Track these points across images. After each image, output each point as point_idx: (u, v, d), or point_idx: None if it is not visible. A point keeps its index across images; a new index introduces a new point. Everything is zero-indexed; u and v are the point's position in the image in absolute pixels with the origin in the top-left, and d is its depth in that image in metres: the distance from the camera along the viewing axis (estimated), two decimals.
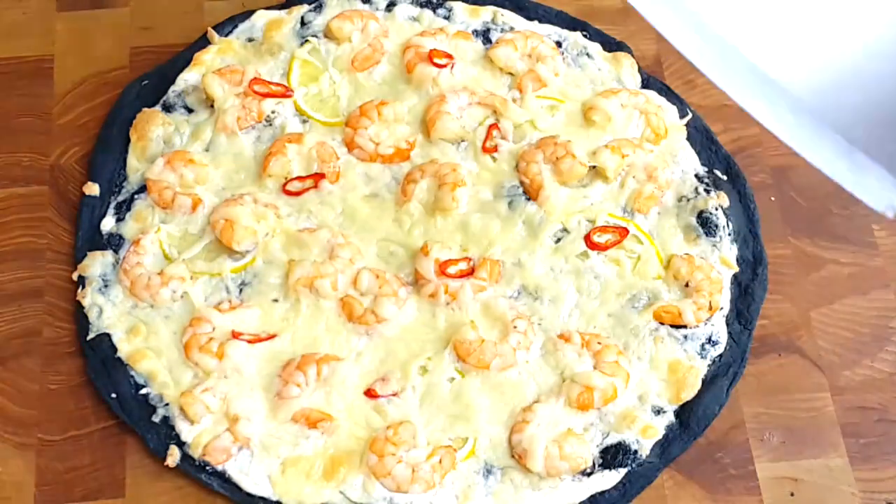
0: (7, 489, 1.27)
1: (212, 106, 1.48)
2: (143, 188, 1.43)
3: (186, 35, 1.57)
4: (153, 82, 1.51)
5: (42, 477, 1.28)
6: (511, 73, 1.51)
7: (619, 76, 1.52)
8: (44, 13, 1.60)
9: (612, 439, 1.27)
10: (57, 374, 1.34)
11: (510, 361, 1.30)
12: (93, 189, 1.43)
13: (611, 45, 1.55)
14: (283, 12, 1.55)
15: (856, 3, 0.81)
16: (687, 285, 1.36)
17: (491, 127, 1.45)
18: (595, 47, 1.54)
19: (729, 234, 1.40)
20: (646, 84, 1.52)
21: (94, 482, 1.27)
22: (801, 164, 1.52)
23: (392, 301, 1.33)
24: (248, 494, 1.24)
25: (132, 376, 1.31)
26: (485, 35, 1.54)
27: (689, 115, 1.49)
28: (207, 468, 1.26)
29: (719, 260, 1.38)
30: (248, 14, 1.56)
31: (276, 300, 1.35)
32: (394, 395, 1.29)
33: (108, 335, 1.33)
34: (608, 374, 1.29)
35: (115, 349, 1.32)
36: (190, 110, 1.49)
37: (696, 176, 1.44)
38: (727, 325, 1.35)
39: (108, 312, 1.35)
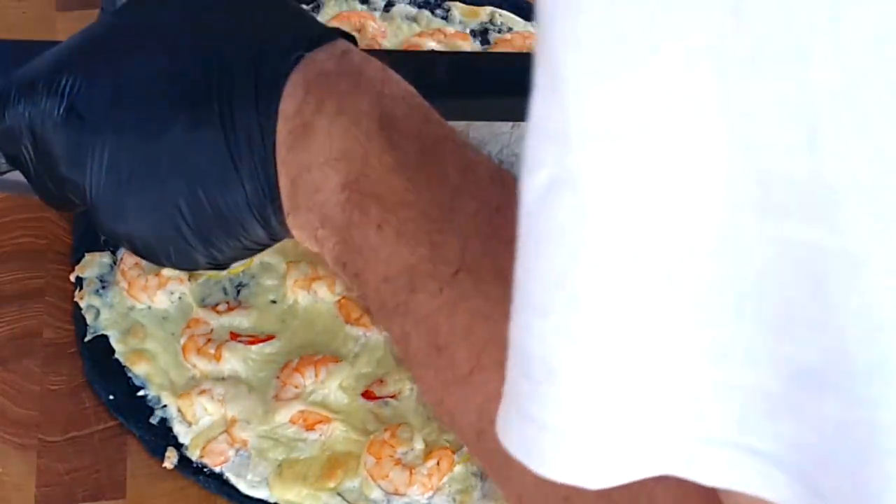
0: (8, 490, 1.27)
1: None
2: None
3: None
4: None
5: (43, 478, 1.27)
6: None
7: None
8: (44, 13, 1.59)
9: None
10: (57, 374, 1.33)
11: None
12: None
13: None
14: None
15: None
16: None
17: None
18: None
19: None
20: None
21: (94, 483, 1.27)
22: None
23: None
24: (246, 496, 1.24)
25: (130, 378, 1.31)
26: (483, 35, 1.54)
27: None
28: (205, 470, 1.25)
29: None
30: None
31: (273, 301, 1.35)
32: (391, 396, 1.29)
33: (105, 336, 1.33)
34: None
35: (112, 351, 1.32)
36: None
37: None
38: None
39: (106, 314, 1.34)
